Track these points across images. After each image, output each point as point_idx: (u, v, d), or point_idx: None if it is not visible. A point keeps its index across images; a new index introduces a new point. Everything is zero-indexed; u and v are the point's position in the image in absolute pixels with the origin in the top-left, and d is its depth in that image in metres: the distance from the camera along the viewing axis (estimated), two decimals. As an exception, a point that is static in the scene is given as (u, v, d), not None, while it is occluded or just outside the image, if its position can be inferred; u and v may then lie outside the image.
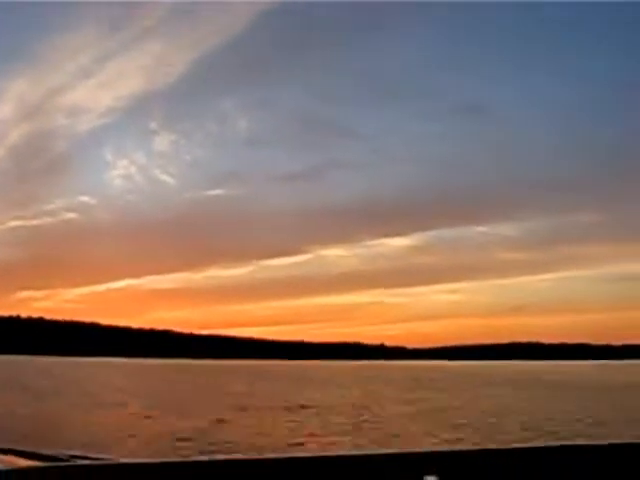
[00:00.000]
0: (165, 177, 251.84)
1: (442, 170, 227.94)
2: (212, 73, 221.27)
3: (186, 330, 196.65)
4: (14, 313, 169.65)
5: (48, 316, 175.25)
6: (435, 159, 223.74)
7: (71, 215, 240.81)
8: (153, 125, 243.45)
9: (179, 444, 15.69)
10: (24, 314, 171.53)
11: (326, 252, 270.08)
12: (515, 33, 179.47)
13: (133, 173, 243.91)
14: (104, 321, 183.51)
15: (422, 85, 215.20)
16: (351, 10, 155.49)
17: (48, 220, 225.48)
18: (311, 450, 15.04)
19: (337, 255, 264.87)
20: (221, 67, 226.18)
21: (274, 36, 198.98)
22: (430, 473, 2.88)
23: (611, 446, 3.45)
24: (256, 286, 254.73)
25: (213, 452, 13.56)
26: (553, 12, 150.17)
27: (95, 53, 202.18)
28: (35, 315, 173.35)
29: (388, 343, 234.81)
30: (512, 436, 17.37)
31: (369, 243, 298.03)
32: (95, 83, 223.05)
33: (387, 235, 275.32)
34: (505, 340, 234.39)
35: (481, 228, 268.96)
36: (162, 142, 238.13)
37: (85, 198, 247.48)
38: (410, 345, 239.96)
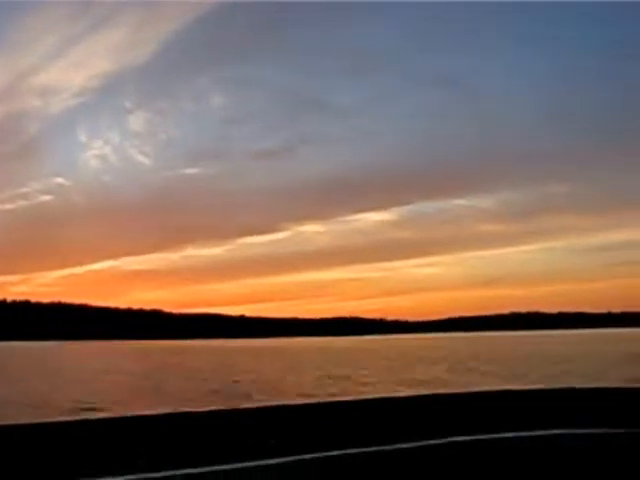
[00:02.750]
0: (141, 157, 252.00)
1: (418, 144, 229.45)
2: (186, 51, 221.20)
3: (167, 309, 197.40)
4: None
5: (32, 299, 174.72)
6: (411, 133, 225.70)
7: (46, 197, 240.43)
8: (127, 104, 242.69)
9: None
10: (8, 298, 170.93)
11: (303, 228, 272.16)
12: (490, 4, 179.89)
13: (108, 153, 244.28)
14: (91, 302, 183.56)
15: (398, 60, 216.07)
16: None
17: (23, 203, 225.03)
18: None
19: (314, 231, 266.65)
20: (195, 45, 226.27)
21: (248, 12, 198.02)
22: None
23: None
24: (235, 264, 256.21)
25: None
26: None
27: (65, 33, 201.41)
28: (19, 299, 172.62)
29: (389, 317, 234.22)
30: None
31: (346, 218, 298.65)
32: (66, 63, 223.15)
33: (364, 210, 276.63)
34: (487, 312, 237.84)
35: (458, 201, 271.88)
36: (137, 121, 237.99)
37: (60, 180, 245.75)
38: (412, 318, 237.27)
